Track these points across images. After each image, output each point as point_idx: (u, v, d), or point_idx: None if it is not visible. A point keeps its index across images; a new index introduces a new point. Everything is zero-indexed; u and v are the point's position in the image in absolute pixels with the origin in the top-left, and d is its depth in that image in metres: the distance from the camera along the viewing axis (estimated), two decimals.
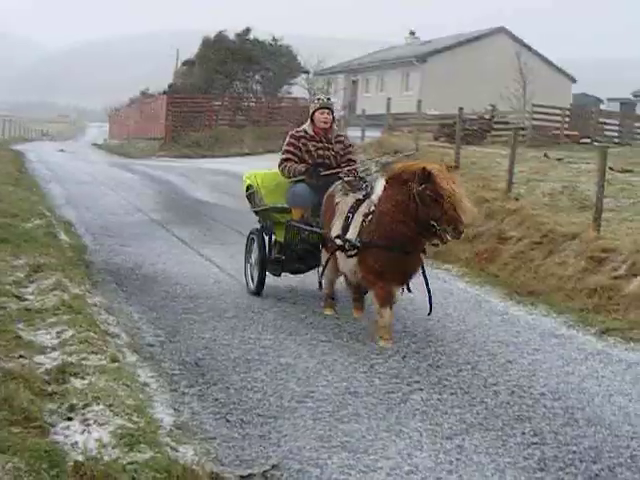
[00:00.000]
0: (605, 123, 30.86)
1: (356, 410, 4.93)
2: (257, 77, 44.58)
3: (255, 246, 8.03)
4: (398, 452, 4.33)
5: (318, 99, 8.10)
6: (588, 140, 26.66)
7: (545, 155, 18.74)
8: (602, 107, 39.84)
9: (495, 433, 4.65)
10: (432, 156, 16.13)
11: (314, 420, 4.75)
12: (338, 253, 6.70)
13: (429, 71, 43.38)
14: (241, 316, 7.18)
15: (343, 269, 6.81)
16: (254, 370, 5.65)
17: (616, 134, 30.38)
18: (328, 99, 8.08)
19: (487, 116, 27.80)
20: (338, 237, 6.63)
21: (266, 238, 8.04)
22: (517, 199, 12.02)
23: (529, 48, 43.98)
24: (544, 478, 4.08)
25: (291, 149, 7.79)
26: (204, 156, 34.02)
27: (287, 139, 7.88)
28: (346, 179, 7.26)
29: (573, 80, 47.47)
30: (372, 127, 26.59)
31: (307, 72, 45.36)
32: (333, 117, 7.92)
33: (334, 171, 7.62)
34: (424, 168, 6.00)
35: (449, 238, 5.99)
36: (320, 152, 7.75)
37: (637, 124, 32.63)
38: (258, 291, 7.91)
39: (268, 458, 4.19)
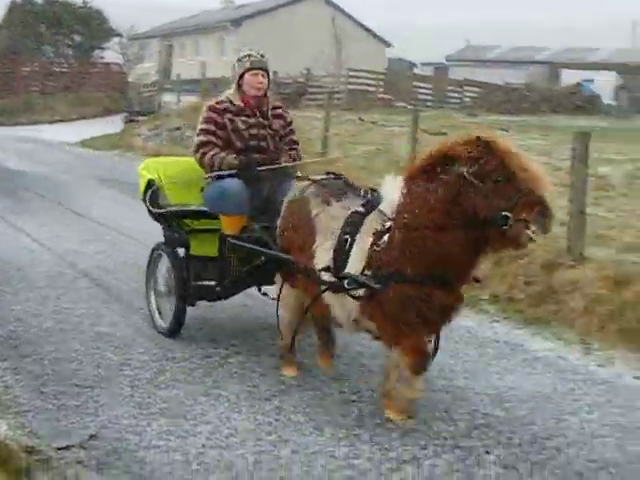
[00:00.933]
0: (419, 87, 32.13)
1: (174, 376, 4.92)
2: (67, 41, 42.77)
3: (166, 268, 5.74)
4: (217, 416, 4.35)
5: (247, 56, 5.59)
6: (402, 103, 27.64)
7: (360, 118, 19.24)
8: (416, 71, 41.42)
9: (313, 392, 4.76)
10: None
11: (132, 387, 4.71)
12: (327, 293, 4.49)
13: (244, 35, 43.13)
14: (54, 285, 6.97)
15: (338, 316, 4.51)
16: (69, 340, 5.52)
17: (429, 97, 31.72)
18: (262, 56, 5.63)
19: (302, 80, 28.18)
20: (327, 270, 4.41)
21: (181, 254, 5.73)
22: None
23: (344, 13, 44.77)
24: (361, 435, 4.22)
25: (211, 128, 5.49)
26: (16, 124, 32.35)
27: (204, 113, 5.56)
28: (319, 177, 4.97)
29: (388, 45, 48.82)
30: (188, 92, 26.27)
31: (120, 36, 44.03)
32: (269, 81, 5.71)
33: (283, 165, 5.53)
34: (478, 137, 3.99)
35: (531, 235, 3.85)
36: (253, 131, 5.54)
37: (449, 88, 34.19)
38: (174, 330, 5.59)
39: (86, 428, 4.13)
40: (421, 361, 4.22)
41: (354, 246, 4.32)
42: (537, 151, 16.04)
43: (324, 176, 4.92)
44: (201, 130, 5.53)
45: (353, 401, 4.66)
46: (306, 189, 4.82)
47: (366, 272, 4.20)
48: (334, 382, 4.94)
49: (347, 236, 4.35)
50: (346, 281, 4.24)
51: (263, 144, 5.55)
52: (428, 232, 4.02)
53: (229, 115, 5.51)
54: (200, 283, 5.61)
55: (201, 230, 5.75)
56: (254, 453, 3.94)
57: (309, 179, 5.00)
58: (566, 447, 4.13)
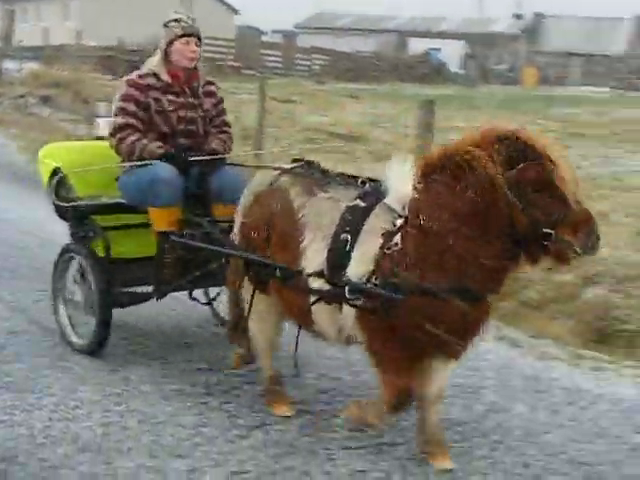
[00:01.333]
0: (268, 55, 32.12)
1: (18, 350, 4.79)
2: None
3: (81, 273, 4.77)
4: (62, 388, 4.27)
5: (176, 20, 4.70)
6: (251, 71, 27.57)
7: None
8: (265, 39, 41.31)
9: (160, 362, 4.72)
10: (94, 88, 15.72)
11: None
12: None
13: (89, 1, 41.68)
14: None
15: (324, 328, 3.78)
16: None
17: (279, 65, 31.79)
18: (193, 20, 4.78)
19: (149, 47, 27.58)
20: (320, 275, 3.63)
21: (98, 255, 4.73)
22: None
23: None
24: (210, 402, 4.24)
25: (131, 108, 4.60)
26: None
27: (122, 90, 4.68)
28: (293, 165, 4.13)
29: (236, 12, 48.39)
30: (30, 59, 25.19)
31: None
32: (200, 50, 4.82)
33: (220, 156, 4.74)
34: (516, 136, 3.34)
35: (579, 253, 3.34)
36: (182, 113, 4.70)
37: (298, 55, 34.35)
38: (95, 347, 4.70)
39: None
40: (403, 400, 3.57)
41: (356, 247, 3.53)
42: (387, 117, 16.54)
43: (294, 164, 4.11)
44: (119, 110, 4.62)
45: (200, 369, 4.66)
46: (277, 178, 4.01)
47: (373, 279, 3.44)
48: (181, 351, 4.92)
49: (346, 235, 3.55)
50: (347, 288, 3.48)
51: (192, 128, 4.75)
52: (449, 239, 3.35)
53: (154, 93, 4.64)
54: (129, 290, 4.81)
55: (116, 227, 4.88)
56: (101, 425, 3.88)
57: (277, 168, 4.15)
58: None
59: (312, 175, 3.94)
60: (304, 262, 3.68)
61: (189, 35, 4.65)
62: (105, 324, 4.61)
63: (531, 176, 3.27)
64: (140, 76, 4.67)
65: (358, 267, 3.51)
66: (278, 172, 4.05)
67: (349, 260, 3.53)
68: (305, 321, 3.86)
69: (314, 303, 3.65)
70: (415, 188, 3.48)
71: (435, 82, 30.86)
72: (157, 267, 4.58)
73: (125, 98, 4.62)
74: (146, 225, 4.69)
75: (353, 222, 3.56)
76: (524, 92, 28.41)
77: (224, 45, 29.22)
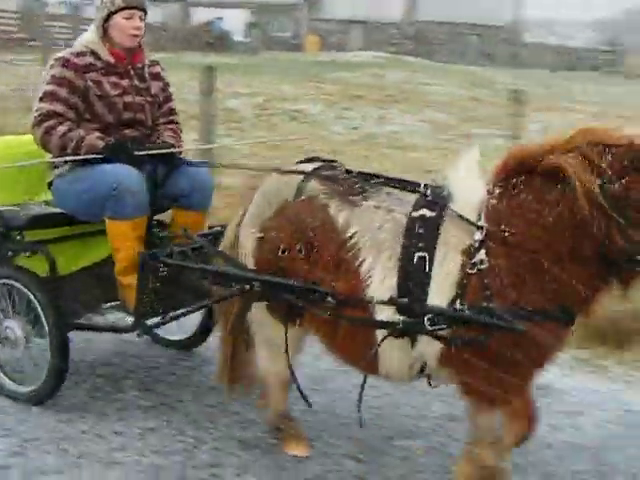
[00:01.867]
0: (53, 26, 31.16)
1: None
2: None
3: (24, 304, 3.85)
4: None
5: None
6: (36, 42, 26.60)
7: None
8: (50, 10, 39.64)
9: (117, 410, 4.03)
10: None
11: None
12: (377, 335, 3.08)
13: None
14: None
15: (391, 366, 3.13)
16: None
17: (65, 36, 30.88)
18: None
19: None
20: (391, 302, 2.98)
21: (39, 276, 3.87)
22: None
23: None
24: None
25: (62, 93, 3.81)
26: None
27: (52, 69, 3.86)
28: (320, 170, 3.40)
29: None
30: None
31: None
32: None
33: (170, 150, 3.98)
34: (625, 141, 2.80)
35: None
36: (128, 99, 3.96)
37: (82, 26, 33.42)
38: (48, 391, 3.85)
39: None
40: (532, 426, 3.23)
41: (435, 267, 2.96)
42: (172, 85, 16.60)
43: (317, 164, 3.45)
44: (47, 94, 3.80)
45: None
46: (304, 185, 3.30)
47: (457, 304, 2.91)
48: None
49: (422, 252, 2.97)
50: (427, 317, 2.91)
51: (141, 116, 4.01)
52: (542, 256, 2.88)
53: (94, 74, 3.86)
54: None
55: (59, 238, 4.08)
56: None
57: (299, 172, 3.38)
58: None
59: (342, 179, 3.31)
60: (367, 289, 3.04)
61: (133, 8, 3.89)
62: (62, 359, 3.75)
63: (638, 193, 2.75)
64: (76, 54, 3.86)
65: (443, 291, 2.94)
66: (302, 177, 3.32)
67: (429, 283, 2.96)
68: (364, 360, 3.12)
69: (387, 336, 3.01)
70: (492, 193, 2.98)
71: (219, 51, 31.06)
72: (138, 295, 3.70)
73: (56, 81, 3.79)
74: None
75: (426, 236, 2.98)
76: (306, 58, 29.24)
77: (7, 17, 27.91)
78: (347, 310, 3.10)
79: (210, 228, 4.10)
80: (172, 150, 3.95)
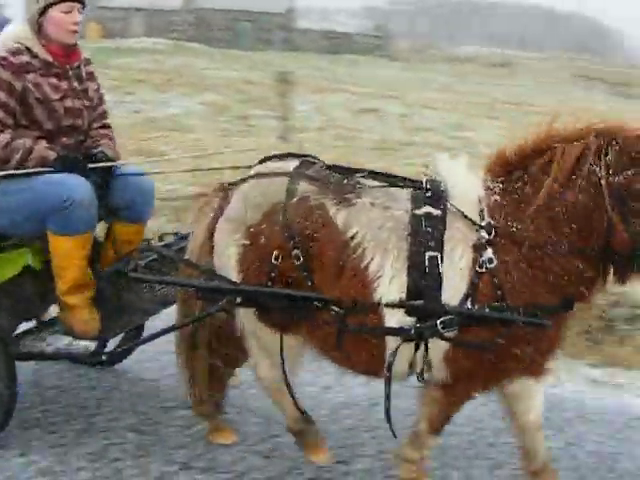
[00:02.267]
0: None
1: None
2: None
3: None
4: None
5: None
6: None
7: None
8: None
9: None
10: None
11: None
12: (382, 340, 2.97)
13: None
14: None
15: (396, 369, 2.96)
16: None
17: None
18: None
19: None
20: (400, 305, 2.89)
21: None
22: None
23: None
24: None
25: (3, 98, 3.39)
26: None
27: None
28: (302, 167, 3.19)
29: None
30: None
31: None
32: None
33: (121, 162, 3.79)
34: (630, 133, 2.82)
35: None
36: (69, 103, 3.56)
37: None
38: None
39: None
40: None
41: (445, 266, 2.89)
42: None
43: (296, 161, 3.23)
44: None
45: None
46: (294, 186, 3.08)
47: (468, 304, 2.87)
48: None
49: (433, 252, 2.88)
50: (442, 320, 2.84)
51: (78, 122, 3.62)
52: (549, 251, 2.89)
53: (32, 75, 3.44)
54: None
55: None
56: None
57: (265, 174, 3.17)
58: None
59: (331, 176, 3.13)
60: (376, 292, 2.91)
61: (72, 0, 3.48)
62: (11, 389, 3.40)
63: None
64: (13, 52, 3.42)
65: (456, 291, 2.87)
66: (288, 177, 3.10)
67: (442, 283, 2.88)
68: (374, 365, 3.02)
69: (400, 345, 2.89)
70: (492, 188, 2.98)
71: None
72: (102, 318, 3.48)
73: None
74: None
75: (433, 235, 2.90)
76: (88, 44, 29.09)
77: None
78: (356, 316, 2.93)
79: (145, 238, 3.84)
80: (127, 163, 3.80)
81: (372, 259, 2.92)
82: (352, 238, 2.94)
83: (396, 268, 2.90)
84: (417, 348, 2.92)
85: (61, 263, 3.43)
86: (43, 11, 3.46)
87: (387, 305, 2.88)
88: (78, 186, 3.35)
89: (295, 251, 2.98)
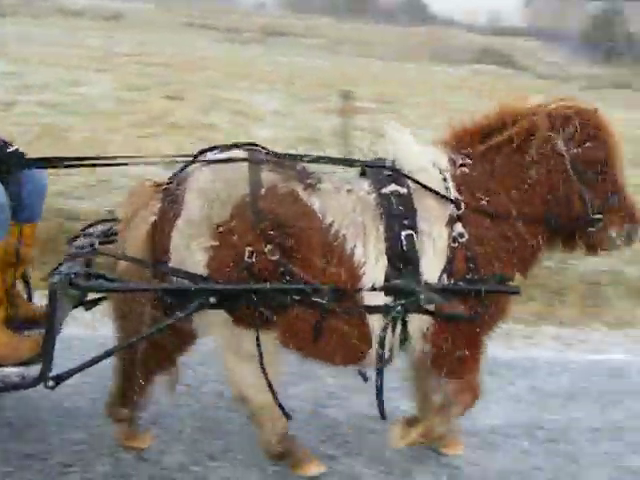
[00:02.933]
0: None
1: None
2: None
3: None
4: None
5: None
6: None
7: None
8: None
9: None
10: None
11: None
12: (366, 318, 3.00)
13: None
14: None
15: (376, 351, 3.01)
16: None
17: None
18: None
19: None
20: (393, 287, 2.92)
21: None
22: None
23: None
24: None
25: None
26: None
27: None
28: (253, 155, 3.03)
29: None
30: None
31: None
32: None
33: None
34: (595, 111, 3.07)
35: (619, 246, 3.20)
36: None
37: None
38: None
39: None
40: (477, 397, 3.34)
41: (422, 243, 2.96)
42: None
43: (241, 150, 3.09)
44: None
45: None
46: (258, 176, 2.94)
47: (444, 279, 2.97)
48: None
49: (409, 230, 2.93)
50: (423, 296, 2.92)
51: None
52: (514, 222, 3.05)
53: None
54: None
55: None
56: None
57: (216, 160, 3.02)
58: None
59: (283, 163, 3.08)
60: (366, 277, 2.97)
61: None
62: None
63: (598, 157, 3.06)
64: None
65: (432, 266, 2.98)
66: (248, 168, 2.97)
67: (419, 261, 2.96)
68: (358, 353, 3.09)
69: (387, 325, 2.99)
70: (456, 162, 3.11)
71: None
72: (47, 336, 3.04)
73: None
74: None
75: (407, 214, 2.97)
76: None
77: None
78: (344, 302, 2.93)
79: None
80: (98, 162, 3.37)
81: (355, 245, 2.92)
82: (330, 225, 2.91)
83: (378, 249, 2.93)
84: (395, 327, 2.98)
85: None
86: None
87: (378, 289, 2.90)
88: None
89: (270, 246, 2.85)
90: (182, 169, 3.03)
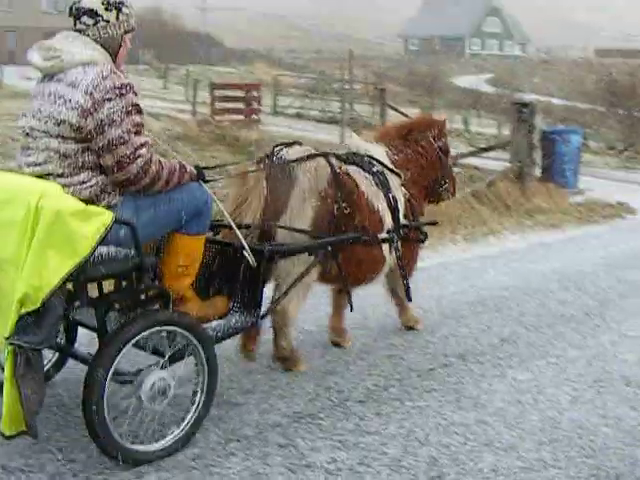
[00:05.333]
0: None
1: None
2: None
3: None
4: None
5: (122, 3, 3.51)
6: None
7: None
8: None
9: None
10: None
11: None
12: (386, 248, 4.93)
13: None
14: None
15: (390, 264, 5.03)
16: None
17: None
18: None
19: None
20: (405, 226, 5.05)
21: None
22: None
23: None
24: None
25: (140, 121, 3.46)
26: None
27: (131, 96, 3.36)
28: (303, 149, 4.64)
29: None
30: None
31: None
32: None
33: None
34: (445, 120, 5.73)
35: (450, 197, 5.77)
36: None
37: None
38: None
39: None
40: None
41: (397, 200, 4.95)
42: None
43: (304, 148, 4.66)
44: (139, 126, 3.42)
45: None
46: (332, 164, 4.57)
47: (405, 221, 5.02)
48: None
49: (391, 194, 4.90)
50: (395, 232, 4.89)
51: None
52: (420, 185, 5.29)
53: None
54: None
55: None
56: None
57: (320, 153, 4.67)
58: None
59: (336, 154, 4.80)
60: (385, 222, 4.85)
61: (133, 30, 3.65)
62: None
63: (447, 146, 5.50)
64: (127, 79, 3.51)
65: (402, 214, 4.98)
66: (326, 156, 4.58)
67: (399, 211, 4.94)
68: (380, 266, 4.90)
69: (391, 248, 4.89)
70: (390, 151, 5.17)
71: None
72: (256, 290, 4.15)
73: (138, 109, 3.43)
74: None
75: (387, 185, 4.90)
76: None
77: None
78: (377, 238, 4.78)
79: None
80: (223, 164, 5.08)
81: (377, 204, 4.80)
82: (364, 192, 4.70)
83: (384, 206, 4.84)
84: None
85: (187, 261, 3.75)
86: (124, 37, 3.55)
87: (388, 230, 4.83)
88: (205, 191, 3.77)
89: (344, 204, 4.50)
90: (268, 162, 4.45)
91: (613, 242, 6.91)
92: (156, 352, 3.47)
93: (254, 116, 19.11)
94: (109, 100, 3.25)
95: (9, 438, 3.05)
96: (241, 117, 18.72)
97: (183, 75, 33.51)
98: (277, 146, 4.64)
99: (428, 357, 5.00)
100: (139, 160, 3.33)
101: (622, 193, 11.46)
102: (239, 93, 19.78)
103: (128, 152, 3.29)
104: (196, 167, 3.76)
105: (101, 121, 3.24)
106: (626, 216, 11.15)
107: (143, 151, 3.35)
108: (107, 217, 3.10)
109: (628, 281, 7.29)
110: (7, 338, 2.94)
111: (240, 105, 19.38)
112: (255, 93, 19.62)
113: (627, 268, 7.78)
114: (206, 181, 3.79)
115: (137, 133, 3.34)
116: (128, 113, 3.30)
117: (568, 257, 8.01)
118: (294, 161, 4.41)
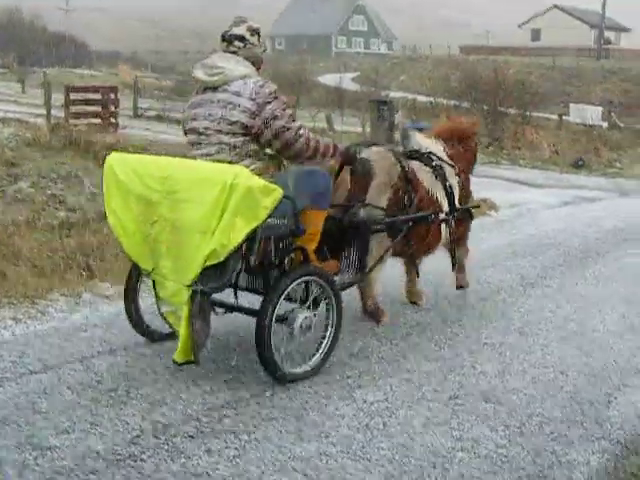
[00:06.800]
0: None
1: None
2: None
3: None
4: None
5: (259, 29, 4.74)
6: None
7: None
8: None
9: None
10: None
11: None
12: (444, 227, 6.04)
13: None
14: None
15: (446, 239, 6.09)
16: None
17: None
18: None
19: None
20: (459, 209, 6.14)
21: None
22: None
23: None
24: None
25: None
26: None
27: (280, 97, 4.49)
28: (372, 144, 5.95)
29: None
30: None
31: None
32: None
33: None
34: (475, 124, 7.34)
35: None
36: None
37: None
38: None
39: None
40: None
41: (453, 188, 6.02)
42: None
43: (379, 148, 5.72)
44: (291, 116, 4.49)
45: None
46: (400, 161, 5.59)
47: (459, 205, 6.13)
48: None
49: (448, 182, 5.96)
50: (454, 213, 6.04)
51: None
52: (467, 176, 6.40)
53: None
54: None
55: None
56: None
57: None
58: None
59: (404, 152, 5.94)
60: (443, 205, 5.90)
61: None
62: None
63: (477, 146, 6.93)
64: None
65: (457, 199, 6.03)
66: (389, 149, 5.73)
67: (454, 197, 5.99)
68: (434, 243, 5.94)
69: (447, 226, 6.02)
70: (445, 148, 6.20)
71: None
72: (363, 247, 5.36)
73: (288, 107, 4.54)
74: None
75: (444, 175, 5.93)
76: None
77: None
78: (438, 218, 5.82)
79: None
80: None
81: (437, 192, 5.82)
82: (424, 183, 5.69)
83: (442, 193, 5.85)
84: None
85: (314, 230, 4.59)
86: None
87: (445, 212, 5.88)
88: (329, 176, 4.84)
89: (413, 194, 5.52)
90: (351, 157, 5.29)
91: (473, 241, 6.66)
92: (299, 299, 4.45)
93: (112, 119, 18.28)
94: (269, 103, 4.33)
95: (180, 365, 4.11)
96: (98, 121, 17.88)
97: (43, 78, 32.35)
98: (357, 145, 5.58)
99: (268, 380, 4.42)
100: (301, 139, 4.45)
101: (487, 189, 11.40)
102: (97, 96, 18.91)
103: (292, 136, 4.41)
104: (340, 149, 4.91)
105: (266, 119, 4.32)
106: (490, 213, 11.08)
107: (302, 131, 4.46)
108: (278, 192, 3.97)
109: (487, 282, 7.12)
110: (189, 286, 3.93)
111: (97, 108, 18.60)
112: (113, 95, 18.78)
113: (486, 268, 7.58)
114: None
115: (293, 121, 4.43)
116: (284, 109, 4.39)
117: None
118: (372, 160, 5.35)
